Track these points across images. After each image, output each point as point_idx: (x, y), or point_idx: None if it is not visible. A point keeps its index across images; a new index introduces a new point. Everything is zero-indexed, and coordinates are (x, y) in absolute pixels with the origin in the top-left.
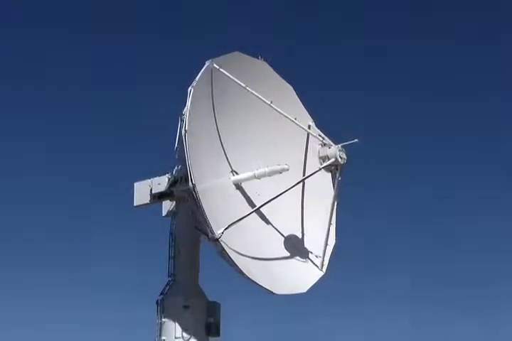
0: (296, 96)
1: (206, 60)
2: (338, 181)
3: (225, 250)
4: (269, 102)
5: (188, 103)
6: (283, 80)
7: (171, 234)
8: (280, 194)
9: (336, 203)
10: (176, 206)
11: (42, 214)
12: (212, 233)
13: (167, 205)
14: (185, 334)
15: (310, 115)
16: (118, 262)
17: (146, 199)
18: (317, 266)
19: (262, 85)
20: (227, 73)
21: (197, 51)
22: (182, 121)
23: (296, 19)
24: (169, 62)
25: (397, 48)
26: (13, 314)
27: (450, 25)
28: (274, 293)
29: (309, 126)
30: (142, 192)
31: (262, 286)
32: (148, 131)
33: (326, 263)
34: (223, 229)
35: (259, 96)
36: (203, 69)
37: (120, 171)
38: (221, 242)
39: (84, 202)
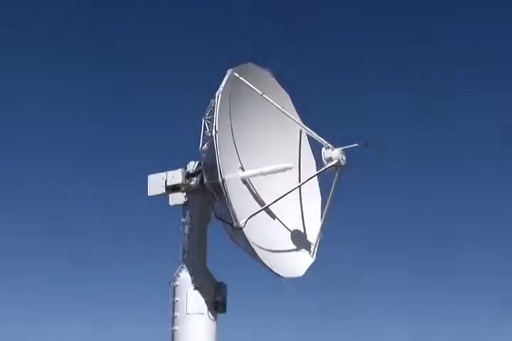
0: (292, 104)
1: (228, 69)
2: (338, 180)
3: (246, 237)
4: (282, 109)
5: (217, 107)
6: (282, 89)
7: (182, 222)
8: (293, 189)
9: (332, 199)
10: (187, 197)
11: (60, 209)
12: (237, 222)
13: (175, 196)
14: (195, 311)
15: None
16: (135, 247)
17: (160, 190)
18: (309, 253)
19: (267, 92)
20: (246, 81)
21: (201, 55)
22: (207, 122)
23: (295, 25)
24: (173, 64)
25: (396, 54)
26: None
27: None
28: (282, 277)
29: (301, 131)
30: (156, 183)
31: (272, 271)
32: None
33: (316, 250)
34: (246, 219)
35: (274, 103)
36: (226, 77)
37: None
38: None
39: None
